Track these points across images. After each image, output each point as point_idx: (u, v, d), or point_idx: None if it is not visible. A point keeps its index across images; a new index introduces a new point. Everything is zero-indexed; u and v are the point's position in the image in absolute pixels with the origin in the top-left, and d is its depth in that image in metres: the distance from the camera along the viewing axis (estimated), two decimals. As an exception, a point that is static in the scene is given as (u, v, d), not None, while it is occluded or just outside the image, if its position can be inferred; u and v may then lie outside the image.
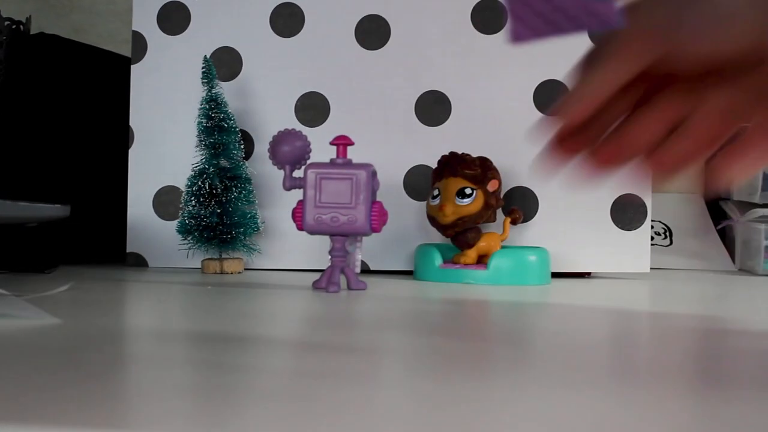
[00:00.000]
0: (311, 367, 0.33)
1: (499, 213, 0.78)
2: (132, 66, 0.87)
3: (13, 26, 0.85)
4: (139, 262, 0.86)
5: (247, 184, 0.80)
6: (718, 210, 1.10)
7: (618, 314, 0.57)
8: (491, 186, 0.74)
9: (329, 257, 0.65)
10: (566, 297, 0.65)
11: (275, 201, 0.83)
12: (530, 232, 0.82)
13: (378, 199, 0.65)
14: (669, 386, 0.31)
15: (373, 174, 0.64)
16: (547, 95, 0.82)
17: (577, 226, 0.82)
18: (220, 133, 0.79)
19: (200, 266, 0.81)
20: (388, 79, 0.84)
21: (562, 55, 0.84)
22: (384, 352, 0.38)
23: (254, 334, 0.43)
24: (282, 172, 0.66)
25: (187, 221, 0.79)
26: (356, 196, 0.62)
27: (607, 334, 0.47)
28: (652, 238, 1.05)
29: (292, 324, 0.49)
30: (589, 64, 0.38)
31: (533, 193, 0.82)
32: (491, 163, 0.76)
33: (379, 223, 0.63)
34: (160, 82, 0.87)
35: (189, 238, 0.79)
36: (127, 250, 0.86)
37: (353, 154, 0.65)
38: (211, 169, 0.78)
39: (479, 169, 0.74)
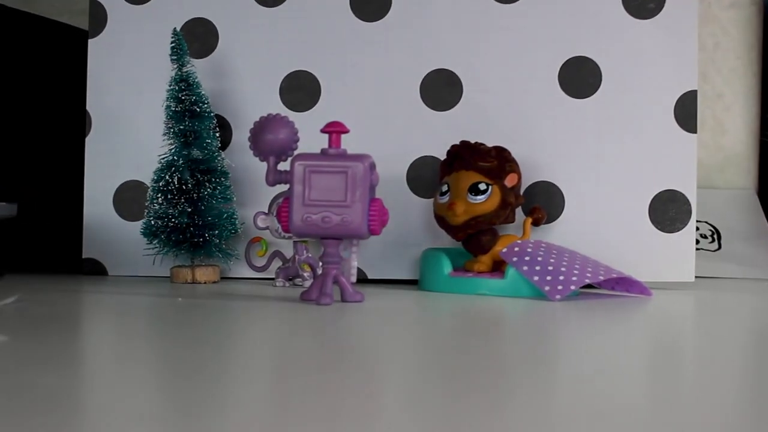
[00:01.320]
0: (296, 398, 0.33)
1: (519, 212, 0.78)
2: (89, 40, 0.87)
3: (-49, -6, 0.85)
4: (97, 269, 0.85)
5: (223, 179, 0.80)
6: (773, 209, 1.10)
7: (657, 336, 0.57)
8: (509, 181, 0.74)
9: (320, 264, 0.65)
10: (595, 311, 0.64)
11: (256, 198, 0.83)
12: (555, 235, 0.82)
13: (377, 195, 0.65)
14: None
15: (372, 167, 0.64)
16: (574, 75, 0.82)
17: (610, 228, 0.81)
18: (192, 118, 0.79)
19: (169, 275, 0.81)
20: (389, 55, 0.84)
21: (592, 28, 0.85)
22: (383, 378, 0.38)
23: (230, 356, 0.43)
24: (265, 164, 0.65)
25: (153, 222, 0.78)
26: (351, 192, 0.62)
27: (641, 359, 0.47)
28: (698, 242, 1.05)
29: (276, 344, 0.49)
30: None
31: (558, 188, 0.82)
32: (509, 154, 0.76)
33: (378, 224, 0.63)
34: (122, 59, 0.86)
35: (155, 242, 0.79)
36: (84, 256, 0.86)
37: (348, 143, 0.65)
38: (181, 161, 0.78)
39: (495, 161, 0.74)
